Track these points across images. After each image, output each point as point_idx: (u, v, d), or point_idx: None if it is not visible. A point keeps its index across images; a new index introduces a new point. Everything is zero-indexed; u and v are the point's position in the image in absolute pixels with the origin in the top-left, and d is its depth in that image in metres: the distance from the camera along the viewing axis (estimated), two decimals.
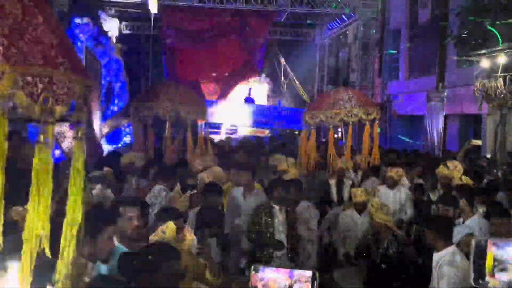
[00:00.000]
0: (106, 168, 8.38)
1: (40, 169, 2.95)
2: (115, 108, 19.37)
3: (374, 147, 12.22)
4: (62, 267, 3.20)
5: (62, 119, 3.36)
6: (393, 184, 9.65)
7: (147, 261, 4.00)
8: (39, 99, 2.84)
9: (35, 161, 2.95)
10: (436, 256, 5.57)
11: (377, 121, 12.40)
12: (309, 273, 4.80)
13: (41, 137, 2.96)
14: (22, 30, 2.92)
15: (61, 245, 3.21)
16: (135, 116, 12.39)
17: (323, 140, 13.48)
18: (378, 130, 12.91)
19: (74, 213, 3.25)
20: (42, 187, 2.97)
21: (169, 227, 4.52)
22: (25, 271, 2.94)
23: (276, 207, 7.47)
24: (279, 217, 7.45)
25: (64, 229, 3.23)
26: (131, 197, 7.53)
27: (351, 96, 12.32)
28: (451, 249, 5.47)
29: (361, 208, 8.19)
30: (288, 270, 4.88)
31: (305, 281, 4.71)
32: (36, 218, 2.96)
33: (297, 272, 4.79)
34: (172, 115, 12.06)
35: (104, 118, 16.01)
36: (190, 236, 4.62)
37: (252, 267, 4.96)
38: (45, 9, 3.20)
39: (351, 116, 12.04)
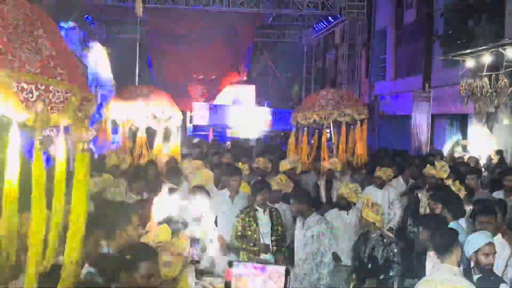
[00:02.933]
0: (105, 175, 8.33)
1: (39, 176, 3.02)
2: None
3: (360, 147, 12.28)
4: (67, 275, 3.27)
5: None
6: (381, 183, 9.70)
7: (125, 261, 4.00)
8: (34, 106, 2.88)
9: (33, 167, 3.00)
10: (429, 255, 5.60)
11: (365, 121, 12.46)
12: (282, 268, 4.83)
13: (37, 143, 3.00)
14: (22, 39, 2.98)
15: (66, 254, 3.27)
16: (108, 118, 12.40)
17: (311, 141, 13.47)
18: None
19: (78, 223, 3.34)
20: (42, 194, 3.04)
21: (164, 230, 4.51)
22: (29, 277, 3.00)
23: (260, 209, 7.51)
24: (263, 219, 7.49)
25: (68, 239, 3.29)
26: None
27: (343, 96, 12.39)
28: None
29: (344, 205, 8.13)
30: (262, 265, 4.90)
31: (278, 277, 4.76)
32: (41, 224, 3.02)
33: (271, 268, 4.84)
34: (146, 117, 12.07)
35: (92, 122, 15.90)
36: (184, 240, 4.62)
37: (227, 263, 4.98)
38: (47, 22, 3.31)
39: (344, 116, 12.08)
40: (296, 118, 12.73)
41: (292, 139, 13.12)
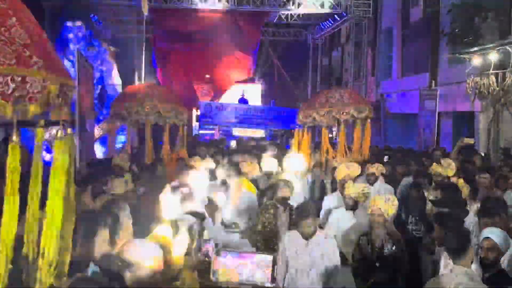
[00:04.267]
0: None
1: (13, 169, 2.94)
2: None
3: (363, 146, 12.27)
4: (44, 266, 3.19)
5: (54, 122, 3.37)
6: (374, 180, 9.71)
7: (126, 260, 4.00)
8: (11, 99, 2.82)
9: (8, 161, 2.93)
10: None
11: (369, 120, 12.42)
12: (269, 257, 4.81)
13: (14, 137, 2.95)
14: None
15: (41, 245, 3.20)
16: (115, 118, 12.47)
17: (318, 140, 13.51)
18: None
19: (54, 213, 3.23)
20: (16, 187, 2.95)
21: (165, 229, 4.52)
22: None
23: (281, 207, 7.44)
24: (282, 218, 7.45)
25: (44, 229, 3.22)
26: None
27: (343, 95, 12.35)
28: None
29: (352, 205, 8.04)
30: (249, 254, 4.89)
31: (266, 266, 4.75)
32: (12, 219, 2.94)
33: (259, 257, 4.83)
34: (152, 116, 12.14)
35: (98, 121, 16.00)
36: (186, 239, 4.63)
37: (215, 251, 4.98)
38: (20, 10, 3.18)
39: (343, 114, 12.05)
40: (299, 116, 12.76)
41: (296, 138, 13.13)
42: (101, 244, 4.49)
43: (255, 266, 4.70)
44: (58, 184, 3.25)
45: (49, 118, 3.25)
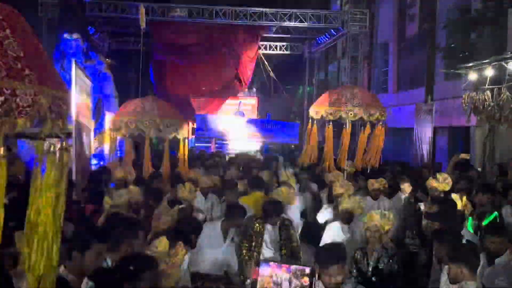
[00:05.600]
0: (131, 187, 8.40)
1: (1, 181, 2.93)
2: None
3: (374, 152, 12.16)
4: (33, 281, 3.18)
5: (52, 135, 3.36)
6: (376, 194, 9.71)
7: (128, 272, 4.00)
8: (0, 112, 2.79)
9: None
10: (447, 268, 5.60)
11: (381, 123, 12.29)
12: (308, 269, 4.83)
13: (1, 150, 2.93)
14: None
15: (32, 259, 3.18)
16: (113, 130, 12.48)
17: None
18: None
19: (44, 228, 3.21)
20: (1, 201, 2.92)
21: (162, 242, 4.54)
22: None
23: (269, 224, 7.55)
24: (271, 232, 7.51)
25: (35, 243, 3.20)
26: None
27: (355, 95, 12.17)
28: None
29: (348, 218, 8.06)
30: (287, 265, 4.92)
31: (303, 276, 4.74)
32: None
33: (296, 267, 4.84)
34: (151, 129, 12.15)
35: (94, 134, 15.96)
36: (182, 251, 4.64)
37: (254, 261, 5.00)
38: (15, 21, 3.17)
39: (351, 114, 11.91)
40: (311, 111, 12.69)
41: (308, 133, 13.03)
42: (94, 258, 4.49)
43: (293, 276, 4.73)
44: (48, 199, 3.22)
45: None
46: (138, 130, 12.23)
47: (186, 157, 12.81)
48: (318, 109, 12.43)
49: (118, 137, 12.91)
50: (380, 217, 6.86)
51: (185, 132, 12.89)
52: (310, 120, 12.82)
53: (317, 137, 13.04)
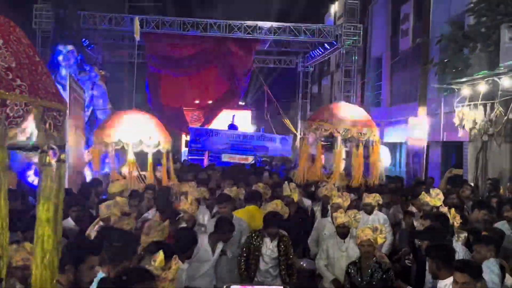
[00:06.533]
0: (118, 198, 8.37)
1: None
2: None
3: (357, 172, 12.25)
4: None
5: (49, 147, 3.33)
6: (371, 209, 9.70)
7: (121, 283, 3.99)
8: None
9: None
10: (441, 283, 5.59)
11: (375, 142, 12.39)
12: None
13: None
14: None
15: (33, 274, 3.15)
16: (98, 144, 12.52)
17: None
18: None
19: (43, 241, 3.19)
20: None
21: (160, 257, 4.51)
22: None
23: (267, 238, 7.63)
24: (269, 247, 7.58)
25: (35, 258, 3.17)
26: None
27: (348, 113, 12.30)
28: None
29: (343, 232, 7.99)
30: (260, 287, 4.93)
31: None
32: None
33: None
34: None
35: (88, 145, 15.93)
36: (176, 265, 4.61)
37: (225, 286, 4.98)
38: (9, 32, 3.14)
39: (341, 133, 12.03)
40: (305, 126, 12.76)
41: (303, 147, 13.10)
42: (87, 271, 4.47)
43: None
44: (46, 212, 3.21)
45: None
46: (119, 144, 12.28)
47: (171, 169, 12.86)
48: (309, 124, 12.54)
49: (104, 150, 12.89)
50: (372, 231, 6.87)
51: (169, 146, 12.95)
52: (301, 137, 12.98)
53: (308, 152, 13.10)
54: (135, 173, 12.37)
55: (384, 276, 6.80)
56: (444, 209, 8.40)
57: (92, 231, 7.23)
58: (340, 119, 12.31)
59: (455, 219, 7.75)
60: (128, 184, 11.07)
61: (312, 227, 9.79)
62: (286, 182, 11.10)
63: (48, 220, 3.21)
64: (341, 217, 7.92)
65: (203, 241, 7.36)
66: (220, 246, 7.45)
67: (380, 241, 6.95)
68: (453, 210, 7.93)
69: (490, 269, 5.89)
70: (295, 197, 10.14)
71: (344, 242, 7.97)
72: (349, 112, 12.72)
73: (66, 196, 8.98)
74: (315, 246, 9.23)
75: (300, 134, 13.50)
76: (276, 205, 8.59)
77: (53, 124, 3.19)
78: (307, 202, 11.44)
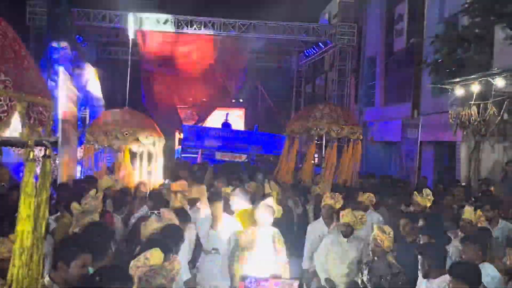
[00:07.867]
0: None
1: None
2: None
3: (348, 170, 12.27)
4: None
5: (38, 143, 3.31)
6: (364, 209, 9.66)
7: (95, 283, 3.97)
8: None
9: None
10: (433, 284, 5.60)
11: (352, 141, 12.48)
12: (295, 282, 4.84)
13: None
14: None
15: (10, 270, 3.13)
16: (92, 141, 12.50)
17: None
18: None
19: (23, 238, 3.17)
20: None
21: (154, 254, 4.46)
22: None
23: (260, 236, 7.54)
24: (263, 246, 7.53)
25: (13, 254, 3.15)
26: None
27: (326, 112, 12.46)
28: (448, 276, 5.20)
29: (349, 232, 7.87)
30: (275, 280, 4.93)
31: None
32: None
33: (284, 281, 4.84)
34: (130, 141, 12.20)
35: (80, 142, 15.88)
36: (177, 265, 4.57)
37: (240, 277, 4.98)
38: None
39: (319, 130, 12.17)
40: (291, 127, 12.83)
41: (285, 149, 13.17)
42: (79, 269, 4.44)
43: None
44: (27, 208, 3.17)
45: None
46: (109, 142, 12.25)
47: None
48: (291, 124, 12.69)
49: (96, 147, 12.88)
50: (382, 232, 6.79)
51: (162, 146, 12.93)
52: (288, 137, 13.10)
53: (294, 152, 13.16)
54: (128, 170, 12.34)
55: (393, 279, 6.61)
56: (470, 209, 8.17)
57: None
58: (316, 116, 12.47)
59: (480, 220, 7.69)
60: (118, 180, 11.04)
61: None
62: (266, 180, 11.10)
63: (29, 216, 3.16)
64: (347, 216, 7.87)
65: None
66: None
67: (387, 243, 6.81)
68: (479, 211, 7.82)
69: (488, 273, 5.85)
70: (275, 195, 10.08)
71: (347, 241, 7.88)
72: (327, 110, 12.81)
73: (62, 191, 9.04)
74: (309, 259, 8.81)
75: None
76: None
77: (39, 120, 3.15)
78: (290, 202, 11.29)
